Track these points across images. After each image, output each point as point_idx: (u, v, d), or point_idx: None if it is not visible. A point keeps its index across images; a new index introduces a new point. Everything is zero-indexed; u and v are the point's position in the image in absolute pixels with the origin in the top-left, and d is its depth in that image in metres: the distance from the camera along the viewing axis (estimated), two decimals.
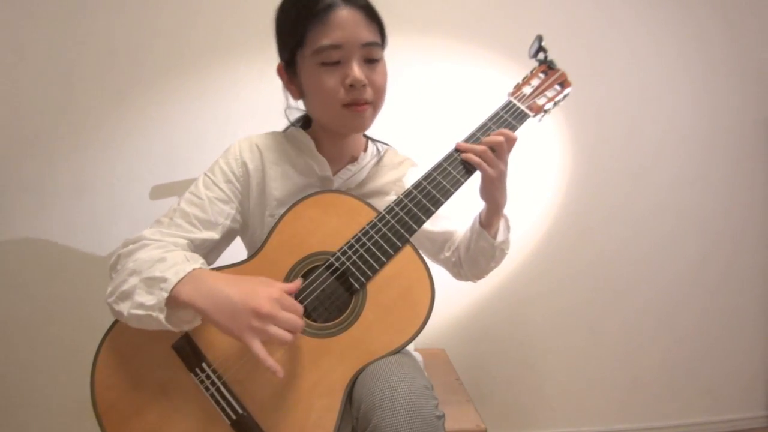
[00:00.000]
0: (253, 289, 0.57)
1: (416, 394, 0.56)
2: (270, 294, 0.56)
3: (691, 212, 1.46)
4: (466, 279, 0.85)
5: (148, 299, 0.57)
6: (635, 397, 1.49)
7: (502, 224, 0.77)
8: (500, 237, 0.76)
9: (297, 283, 0.61)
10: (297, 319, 0.57)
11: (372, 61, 0.68)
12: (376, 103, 0.71)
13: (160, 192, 1.22)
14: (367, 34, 0.67)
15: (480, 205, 0.77)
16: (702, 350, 1.51)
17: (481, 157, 0.69)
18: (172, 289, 0.56)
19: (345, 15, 0.65)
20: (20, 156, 1.16)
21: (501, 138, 0.69)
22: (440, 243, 0.85)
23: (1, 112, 1.14)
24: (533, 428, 1.45)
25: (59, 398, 1.21)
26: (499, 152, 0.69)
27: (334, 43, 0.65)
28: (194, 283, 0.57)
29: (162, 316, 0.56)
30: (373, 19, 0.68)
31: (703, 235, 1.48)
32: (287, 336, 0.55)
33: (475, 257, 0.78)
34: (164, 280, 0.57)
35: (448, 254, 0.84)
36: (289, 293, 0.59)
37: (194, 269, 0.59)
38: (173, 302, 0.57)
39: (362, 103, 0.68)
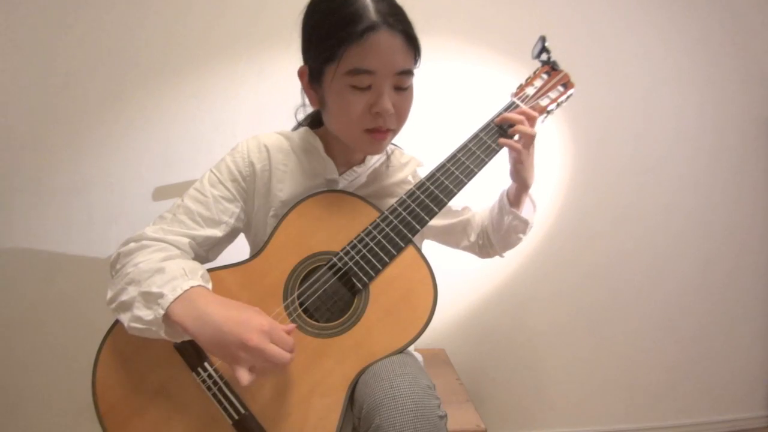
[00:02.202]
0: (246, 319, 0.56)
1: (419, 394, 0.56)
2: (260, 326, 0.55)
3: (693, 213, 1.46)
4: (494, 255, 0.87)
5: (147, 314, 0.57)
6: (636, 397, 1.50)
7: (527, 200, 0.80)
8: (528, 213, 0.80)
9: (290, 327, 0.60)
10: (285, 354, 0.56)
11: (402, 88, 0.67)
12: (396, 130, 0.71)
13: (161, 194, 1.21)
14: (403, 62, 0.64)
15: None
16: (702, 350, 1.51)
17: (525, 139, 0.73)
18: (168, 306, 0.56)
19: (384, 39, 0.61)
20: (18, 156, 1.15)
21: (535, 115, 0.73)
22: (459, 232, 0.86)
23: (1, 114, 1.13)
24: (533, 428, 1.45)
25: (59, 398, 1.20)
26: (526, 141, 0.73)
27: (368, 68, 0.62)
28: (186, 304, 0.57)
29: (161, 332, 0.57)
30: (412, 44, 0.65)
31: (705, 236, 1.48)
32: (272, 369, 0.56)
33: (507, 235, 0.81)
34: (161, 296, 0.57)
35: (473, 239, 0.86)
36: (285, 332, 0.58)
37: (191, 287, 0.58)
38: (168, 318, 0.57)
39: (384, 130, 0.67)
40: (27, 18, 1.12)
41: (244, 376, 0.54)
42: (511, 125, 0.73)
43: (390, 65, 0.63)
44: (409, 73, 0.66)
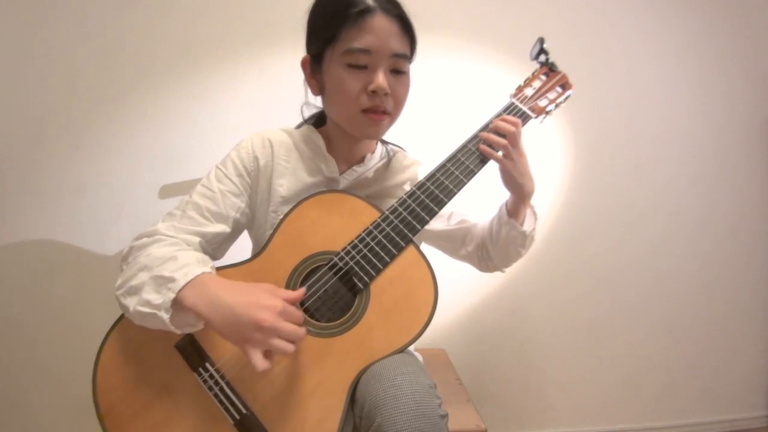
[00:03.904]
0: (256, 300, 0.56)
1: (420, 393, 0.56)
2: (274, 305, 0.56)
3: (694, 214, 1.47)
4: (494, 270, 0.85)
5: (155, 297, 0.57)
6: (635, 397, 1.50)
7: (528, 212, 0.77)
8: (529, 225, 0.76)
9: (300, 292, 0.61)
10: (299, 330, 0.56)
11: (398, 72, 0.69)
12: (393, 115, 0.72)
13: (163, 193, 1.21)
14: (398, 45, 0.67)
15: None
16: (702, 350, 1.52)
17: (502, 150, 0.70)
18: (179, 291, 0.56)
19: (380, 22, 0.65)
20: (21, 156, 1.15)
21: (513, 128, 0.70)
22: (459, 239, 0.85)
23: (1, 113, 1.13)
24: (533, 428, 1.45)
25: (60, 398, 1.20)
26: (512, 142, 0.70)
27: (364, 47, 0.65)
28: (198, 289, 0.57)
29: (167, 317, 0.56)
30: (407, 32, 0.69)
31: (705, 235, 1.48)
32: (290, 347, 0.55)
33: (505, 247, 0.78)
34: (173, 280, 0.57)
35: (471, 249, 0.84)
36: (293, 302, 0.59)
37: (203, 273, 0.59)
38: (178, 304, 0.57)
39: (381, 111, 0.69)
40: (27, 17, 1.12)
41: (259, 359, 0.54)
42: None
43: (385, 46, 0.66)
44: (404, 57, 0.69)
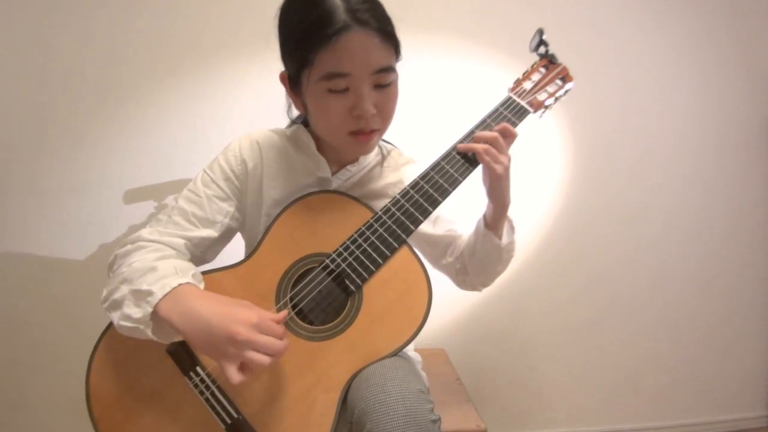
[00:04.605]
0: (233, 313, 0.55)
1: (410, 399, 0.56)
2: (249, 319, 0.55)
3: (694, 214, 1.45)
4: (471, 287, 0.82)
5: (135, 312, 0.57)
6: (635, 397, 1.49)
7: (506, 225, 0.74)
8: (506, 238, 0.73)
9: (283, 314, 0.60)
10: (276, 342, 0.55)
11: (383, 85, 0.64)
12: (383, 129, 0.69)
13: (161, 194, 1.21)
14: (380, 59, 0.61)
15: (482, 208, 0.75)
16: (702, 350, 1.50)
17: (486, 152, 0.67)
18: (156, 304, 0.56)
19: (357, 39, 0.59)
20: (17, 157, 1.15)
21: (494, 134, 0.68)
22: (442, 247, 0.81)
23: (3, 113, 1.14)
24: (533, 428, 1.45)
25: (60, 398, 1.20)
26: (497, 147, 0.68)
27: (343, 71, 0.60)
28: (174, 301, 0.57)
29: (149, 330, 0.56)
30: (388, 40, 0.62)
31: (704, 234, 1.46)
32: (264, 360, 0.54)
33: (481, 261, 0.75)
34: (150, 293, 0.57)
35: (450, 260, 0.80)
36: (275, 322, 0.57)
37: (179, 284, 0.58)
38: (156, 316, 0.57)
39: (369, 131, 0.66)
40: (26, 18, 1.12)
41: (233, 373, 0.54)
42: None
43: (365, 65, 0.60)
44: (388, 69, 0.63)
